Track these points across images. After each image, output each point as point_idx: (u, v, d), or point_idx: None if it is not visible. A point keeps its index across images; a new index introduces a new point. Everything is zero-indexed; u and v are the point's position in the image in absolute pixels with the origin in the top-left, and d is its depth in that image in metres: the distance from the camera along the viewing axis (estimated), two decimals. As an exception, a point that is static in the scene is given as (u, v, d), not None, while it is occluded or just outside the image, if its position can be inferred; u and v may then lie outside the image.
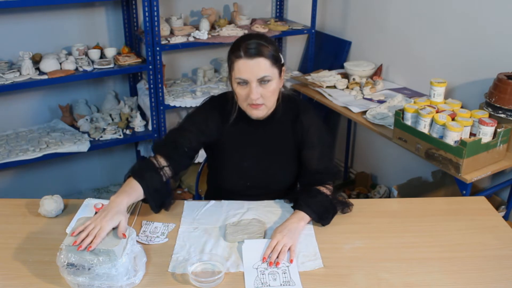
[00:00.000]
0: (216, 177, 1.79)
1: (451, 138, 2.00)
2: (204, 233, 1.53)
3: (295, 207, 1.60)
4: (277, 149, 1.71)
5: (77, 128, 2.91)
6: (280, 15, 3.48)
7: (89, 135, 2.83)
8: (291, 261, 1.39)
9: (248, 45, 1.49)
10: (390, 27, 2.96)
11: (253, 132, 1.68)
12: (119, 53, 2.90)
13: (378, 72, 3.02)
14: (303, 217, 1.54)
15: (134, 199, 1.47)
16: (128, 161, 3.41)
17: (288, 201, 1.70)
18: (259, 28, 3.09)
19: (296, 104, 1.71)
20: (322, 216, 1.56)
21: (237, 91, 1.55)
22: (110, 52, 2.86)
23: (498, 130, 2.04)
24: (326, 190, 1.63)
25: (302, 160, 1.71)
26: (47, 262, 1.36)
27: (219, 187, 1.80)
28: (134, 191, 1.46)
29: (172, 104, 2.90)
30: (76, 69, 2.69)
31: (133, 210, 1.63)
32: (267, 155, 1.71)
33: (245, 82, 1.52)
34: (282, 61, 1.58)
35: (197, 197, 2.16)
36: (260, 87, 1.52)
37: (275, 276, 1.34)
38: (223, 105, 1.68)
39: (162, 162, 1.58)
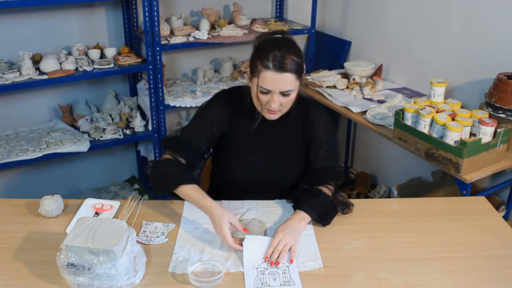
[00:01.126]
0: (223, 171, 1.79)
1: (451, 138, 2.00)
2: (204, 233, 1.53)
3: (296, 207, 1.60)
4: (286, 147, 1.71)
5: (77, 128, 2.91)
6: (280, 15, 3.48)
7: (89, 135, 2.83)
8: (291, 261, 1.39)
9: (278, 57, 1.47)
10: (390, 27, 2.96)
11: (263, 128, 1.68)
12: (119, 53, 2.90)
13: (378, 72, 3.01)
14: (304, 217, 1.54)
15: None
16: (128, 161, 3.41)
17: (289, 201, 1.70)
18: (259, 28, 3.09)
19: (306, 102, 1.72)
20: (322, 216, 1.56)
21: (258, 95, 1.55)
22: (110, 52, 2.86)
23: (498, 130, 2.04)
24: (327, 190, 1.64)
25: (308, 157, 1.71)
26: (47, 262, 1.36)
27: (223, 183, 1.80)
28: (200, 191, 1.56)
29: (172, 104, 2.90)
30: (76, 69, 2.69)
31: (133, 210, 1.64)
32: (276, 152, 1.71)
33: (267, 91, 1.52)
34: (304, 69, 1.57)
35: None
36: (281, 97, 1.53)
37: (275, 276, 1.34)
38: (234, 99, 1.68)
39: (182, 161, 1.63)
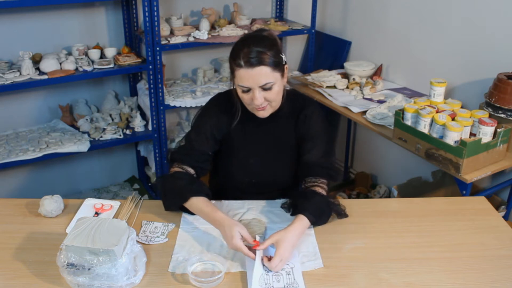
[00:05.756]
0: (222, 174, 1.79)
1: (451, 138, 2.00)
2: (204, 233, 1.53)
3: (295, 213, 1.54)
4: (282, 145, 1.71)
5: (77, 128, 2.91)
6: (280, 15, 3.48)
7: (89, 135, 2.83)
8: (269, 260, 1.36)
9: (247, 53, 1.48)
10: (390, 27, 2.96)
11: (259, 128, 1.68)
12: (119, 53, 2.90)
13: (378, 72, 3.02)
14: (305, 227, 1.49)
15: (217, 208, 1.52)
16: (128, 161, 3.41)
17: (285, 207, 1.66)
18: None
19: (301, 99, 1.72)
20: (319, 219, 1.54)
21: (241, 95, 1.56)
22: (110, 52, 2.86)
23: (498, 130, 2.04)
24: (322, 190, 1.60)
25: (302, 152, 1.70)
26: (47, 262, 1.36)
27: (222, 184, 1.80)
28: (211, 204, 1.53)
29: (172, 104, 2.90)
30: (76, 69, 2.69)
31: (133, 210, 1.64)
32: (273, 152, 1.71)
33: (248, 89, 1.53)
34: (284, 61, 1.57)
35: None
36: (263, 92, 1.53)
37: (279, 278, 1.33)
38: (230, 102, 1.68)
39: (191, 171, 1.63)
